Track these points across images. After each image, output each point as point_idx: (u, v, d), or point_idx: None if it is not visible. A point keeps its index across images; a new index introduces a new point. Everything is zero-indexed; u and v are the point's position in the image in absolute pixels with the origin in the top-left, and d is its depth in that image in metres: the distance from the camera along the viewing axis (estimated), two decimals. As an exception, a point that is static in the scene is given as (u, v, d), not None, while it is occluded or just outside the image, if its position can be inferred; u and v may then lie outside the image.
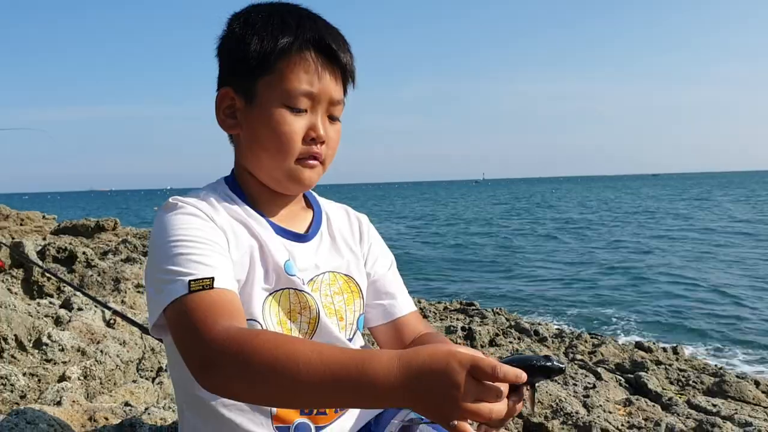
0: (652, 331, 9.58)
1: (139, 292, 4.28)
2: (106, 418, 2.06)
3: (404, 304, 1.46)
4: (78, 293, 3.57)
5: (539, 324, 5.52)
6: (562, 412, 3.42)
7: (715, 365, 5.40)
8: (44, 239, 6.03)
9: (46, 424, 1.84)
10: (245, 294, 1.22)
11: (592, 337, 5.31)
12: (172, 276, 1.10)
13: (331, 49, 1.23)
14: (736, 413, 3.27)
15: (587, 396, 3.75)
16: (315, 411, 1.33)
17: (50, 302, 3.56)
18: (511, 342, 5.01)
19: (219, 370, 0.98)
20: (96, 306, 3.39)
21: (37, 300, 3.44)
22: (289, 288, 1.26)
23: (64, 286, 4.18)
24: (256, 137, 1.25)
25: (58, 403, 2.07)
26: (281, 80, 1.21)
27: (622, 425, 3.31)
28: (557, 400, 3.56)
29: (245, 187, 1.33)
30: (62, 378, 2.46)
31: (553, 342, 5.17)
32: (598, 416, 3.37)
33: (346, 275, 1.39)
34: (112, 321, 3.29)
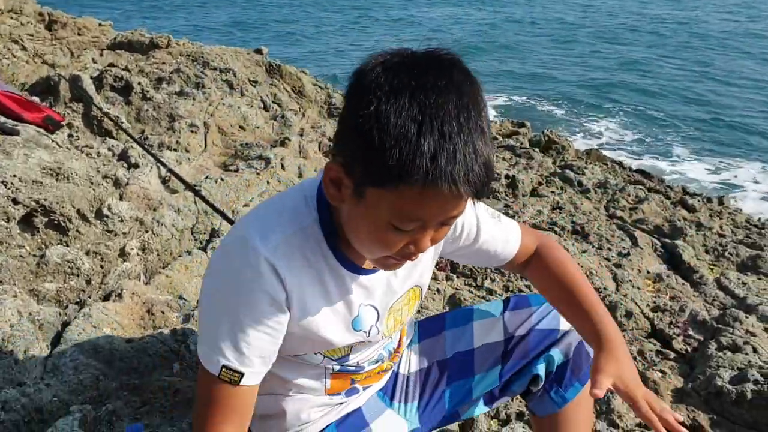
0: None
1: (192, 131, 4.41)
2: (163, 312, 2.29)
3: (508, 248, 1.51)
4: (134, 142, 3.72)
5: (583, 174, 5.50)
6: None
7: (759, 219, 5.40)
8: (101, 55, 6.10)
9: (109, 328, 2.07)
10: (303, 346, 1.30)
11: (636, 188, 5.31)
12: (215, 346, 1.18)
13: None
14: (762, 304, 3.37)
15: (619, 266, 3.87)
16: (364, 377, 1.48)
17: (110, 148, 3.72)
18: (553, 192, 5.07)
19: None
20: (151, 159, 3.55)
21: (98, 149, 3.59)
22: (350, 344, 1.34)
23: (123, 122, 4.33)
24: (355, 227, 1.16)
25: (119, 296, 2.29)
26: (397, 203, 1.05)
27: (648, 305, 3.46)
28: (588, 273, 3.70)
29: (339, 230, 1.24)
30: (122, 253, 2.68)
31: (595, 193, 5.21)
32: (626, 294, 3.52)
33: (415, 285, 1.43)
34: (167, 177, 3.46)
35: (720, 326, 3.12)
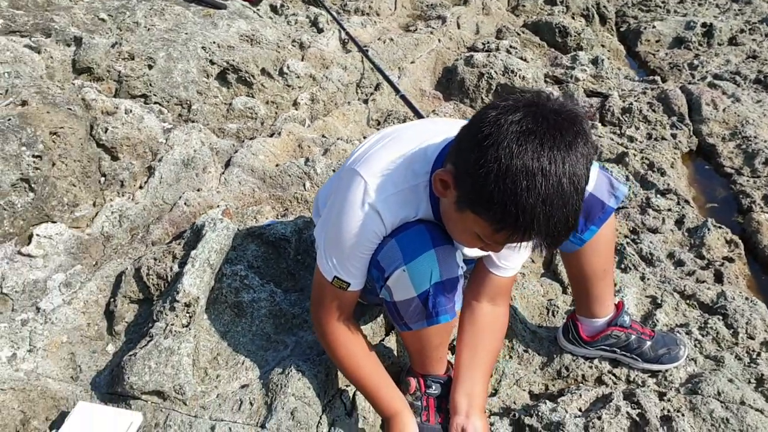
0: None
1: (382, -4, 4.92)
2: (309, 147, 2.96)
3: (508, 272, 1.75)
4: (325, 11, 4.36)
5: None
6: (740, 135, 3.57)
7: None
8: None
9: (263, 155, 2.80)
10: None
11: None
12: (330, 261, 1.57)
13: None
14: None
15: (789, 115, 3.74)
16: None
17: (308, 16, 4.40)
18: (754, 40, 4.77)
19: (318, 335, 1.74)
20: (336, 24, 4.17)
21: (298, 16, 4.29)
22: None
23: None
24: (448, 219, 1.45)
25: (278, 134, 3.00)
26: (488, 230, 1.28)
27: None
28: (744, 121, 3.67)
29: None
30: (295, 103, 3.39)
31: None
32: (777, 143, 3.47)
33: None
34: (346, 40, 4.06)
35: None
